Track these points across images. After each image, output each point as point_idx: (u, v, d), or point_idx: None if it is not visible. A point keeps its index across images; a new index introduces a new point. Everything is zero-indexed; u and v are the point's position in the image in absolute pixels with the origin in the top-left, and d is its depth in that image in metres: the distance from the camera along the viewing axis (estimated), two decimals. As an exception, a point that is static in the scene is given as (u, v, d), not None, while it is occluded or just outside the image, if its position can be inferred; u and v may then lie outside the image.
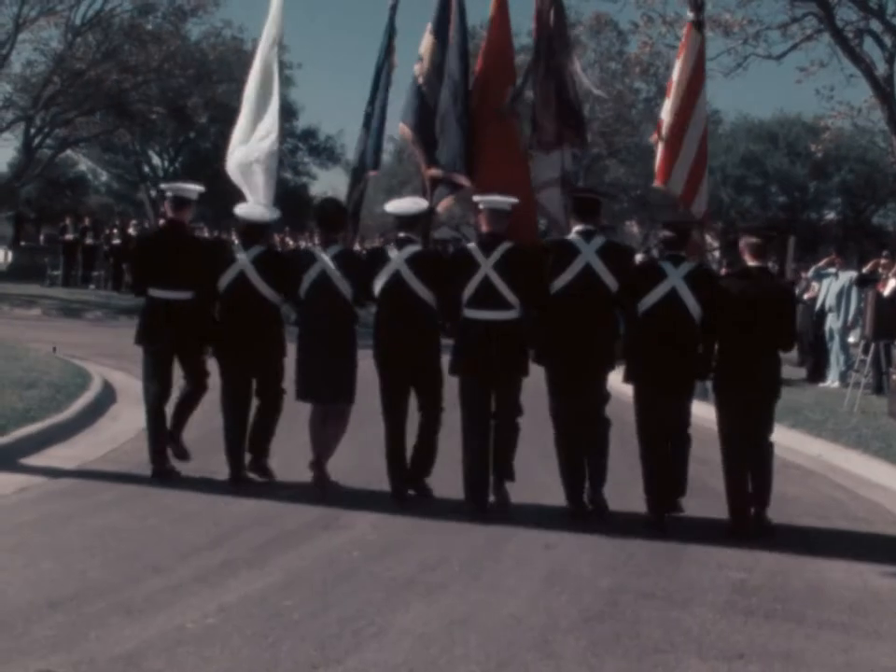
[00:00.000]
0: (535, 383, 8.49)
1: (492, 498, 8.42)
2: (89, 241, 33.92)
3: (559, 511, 8.33)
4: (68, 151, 45.17)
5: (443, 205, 9.67)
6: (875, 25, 22.57)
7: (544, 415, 8.52)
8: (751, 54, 23.41)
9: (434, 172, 9.52)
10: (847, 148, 44.17)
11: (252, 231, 9.11)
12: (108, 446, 10.08)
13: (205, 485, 8.57)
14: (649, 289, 8.23)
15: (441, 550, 7.03)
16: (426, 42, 9.97)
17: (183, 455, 9.14)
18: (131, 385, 13.84)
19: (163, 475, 8.84)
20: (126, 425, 11.22)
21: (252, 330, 8.86)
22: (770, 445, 8.41)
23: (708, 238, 51.68)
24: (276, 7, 10.43)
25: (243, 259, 8.84)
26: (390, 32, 10.39)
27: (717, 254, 46.53)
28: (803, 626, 5.92)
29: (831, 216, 51.62)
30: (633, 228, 53.68)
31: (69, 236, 33.93)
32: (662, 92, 41.68)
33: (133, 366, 15.58)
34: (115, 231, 33.91)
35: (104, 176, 57.68)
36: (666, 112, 10.21)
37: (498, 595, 6.15)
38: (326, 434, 8.88)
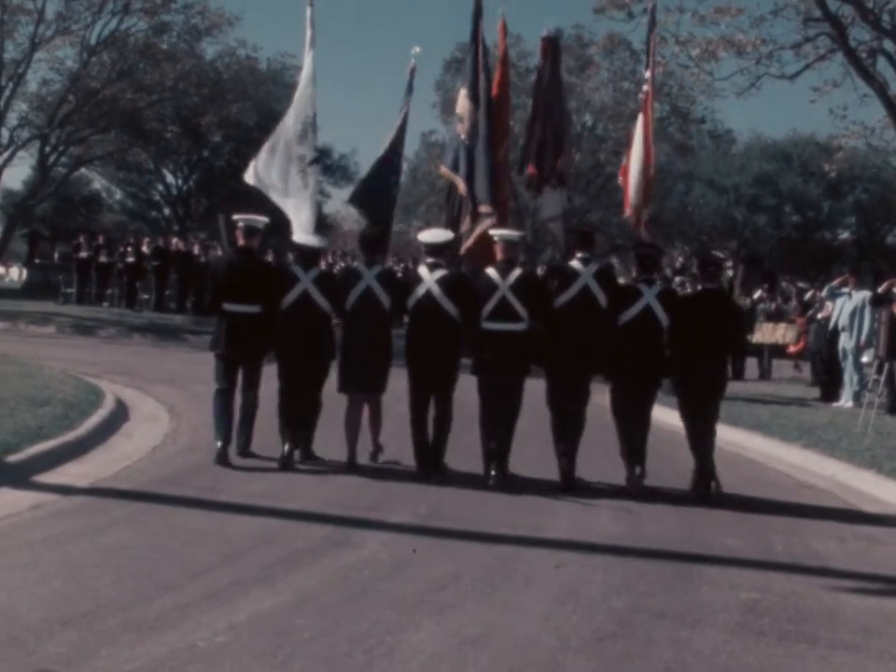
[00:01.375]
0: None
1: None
2: (103, 259, 34.05)
3: (565, 533, 8.34)
4: (83, 169, 45.49)
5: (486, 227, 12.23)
6: (889, 45, 22.58)
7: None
8: (765, 74, 23.43)
9: (484, 209, 12.39)
10: (860, 168, 44.19)
11: (310, 256, 11.01)
12: (121, 464, 10.07)
13: (216, 504, 8.57)
14: (629, 305, 10.26)
15: (451, 569, 7.01)
16: (462, 104, 12.81)
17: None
18: (143, 403, 13.92)
19: (225, 464, 10.33)
20: (138, 442, 11.25)
21: (310, 338, 10.63)
22: (714, 429, 10.53)
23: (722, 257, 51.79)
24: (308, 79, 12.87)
25: (304, 279, 10.63)
26: (409, 91, 13.08)
27: (730, 273, 46.49)
28: (816, 648, 5.89)
29: (844, 235, 51.64)
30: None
31: (83, 254, 34.09)
32: (675, 112, 42.05)
33: (145, 384, 15.75)
34: (129, 248, 34.02)
35: (118, 194, 58.08)
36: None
37: (509, 615, 6.13)
38: (360, 422, 10.83)
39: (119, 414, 12.61)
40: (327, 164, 54.30)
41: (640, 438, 10.33)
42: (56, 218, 51.16)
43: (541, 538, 8.07)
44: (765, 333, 24.44)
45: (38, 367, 15.71)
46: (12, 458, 9.26)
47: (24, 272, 47.31)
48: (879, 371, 15.57)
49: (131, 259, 33.39)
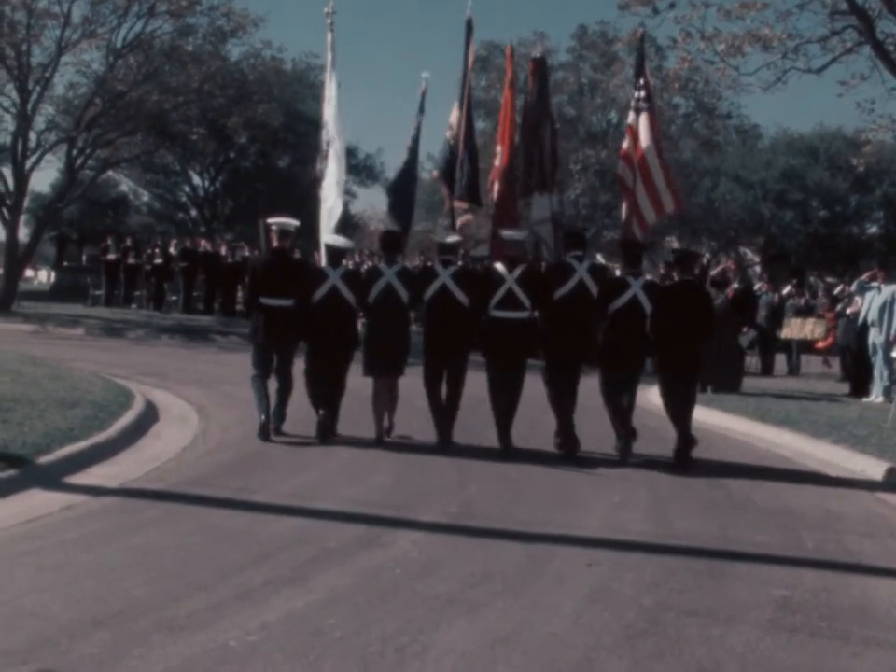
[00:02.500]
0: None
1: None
2: (130, 261, 34.26)
3: (596, 531, 8.34)
4: (110, 172, 45.62)
5: (463, 220, 14.40)
6: (917, 38, 22.38)
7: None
8: (791, 68, 23.22)
9: (459, 204, 14.23)
10: (888, 162, 43.92)
11: (338, 256, 12.48)
12: (151, 465, 10.12)
13: (246, 504, 8.59)
14: (619, 295, 11.87)
15: (482, 567, 7.01)
16: (455, 114, 14.37)
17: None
18: (172, 404, 13.97)
19: (265, 438, 11.72)
20: (168, 443, 11.29)
21: (338, 328, 12.02)
22: (692, 405, 11.95)
23: (749, 253, 51.58)
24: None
25: (333, 275, 12.07)
26: (421, 110, 14.68)
27: (758, 268, 46.33)
28: (849, 644, 5.86)
29: (873, 229, 51.28)
30: (673, 243, 53.46)
31: (111, 256, 34.28)
32: (702, 108, 41.89)
33: (174, 385, 15.81)
34: (156, 250, 34.17)
35: (145, 196, 58.24)
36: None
37: (541, 613, 6.12)
38: (386, 401, 12.22)
39: (149, 415, 12.66)
40: (353, 164, 54.38)
41: (628, 412, 11.94)
42: (84, 221, 51.35)
43: (572, 535, 8.06)
44: (794, 329, 24.35)
45: (68, 369, 15.79)
46: (43, 460, 9.31)
47: (53, 274, 47.55)
48: (910, 365, 15.48)
49: (158, 261, 33.57)
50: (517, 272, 11.92)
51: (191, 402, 14.27)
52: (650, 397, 14.54)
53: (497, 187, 14.09)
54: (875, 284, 18.33)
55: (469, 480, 10.20)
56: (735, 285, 22.95)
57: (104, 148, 35.84)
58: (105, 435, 10.78)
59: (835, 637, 5.96)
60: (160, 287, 33.74)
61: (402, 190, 14.81)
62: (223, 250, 34.01)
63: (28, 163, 32.25)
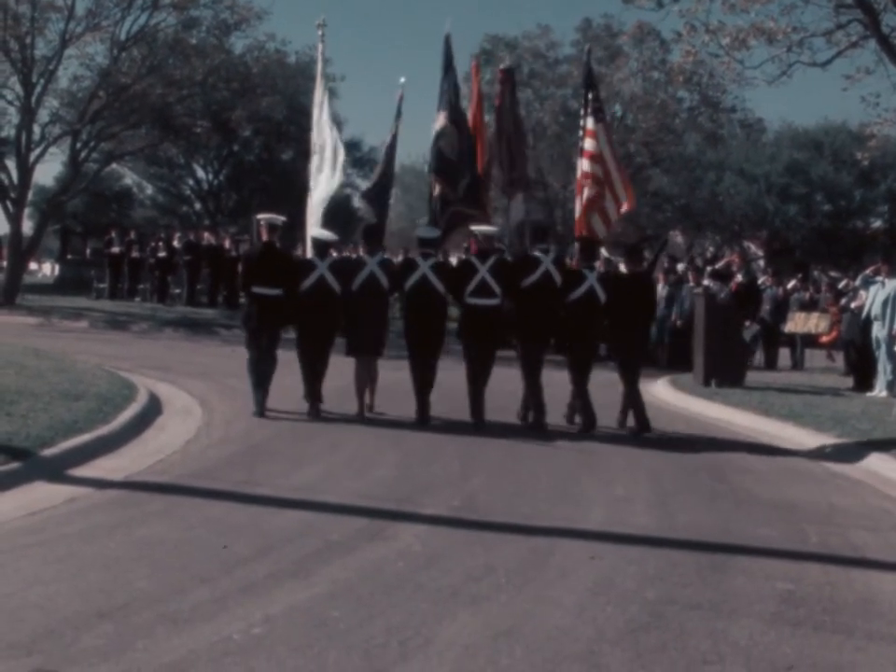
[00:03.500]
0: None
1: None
2: (134, 254, 34.28)
3: (599, 524, 8.35)
4: (114, 165, 45.56)
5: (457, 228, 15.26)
6: (922, 31, 22.33)
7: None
8: (796, 62, 23.15)
9: (470, 210, 15.00)
10: (893, 156, 43.83)
11: (324, 248, 13.59)
12: (155, 457, 10.14)
13: (250, 497, 8.60)
14: (577, 286, 13.37)
15: (485, 560, 7.02)
16: (441, 121, 15.22)
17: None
18: (176, 397, 13.99)
19: (262, 414, 12.91)
20: (172, 436, 11.31)
21: (324, 314, 13.16)
22: (638, 383, 13.64)
23: (753, 247, 51.52)
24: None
25: (321, 266, 13.22)
26: (398, 115, 15.65)
27: (762, 262, 46.27)
28: (852, 638, 5.86)
29: (877, 223, 51.13)
30: (677, 237, 53.44)
31: (115, 249, 34.30)
32: (706, 101, 41.84)
33: (178, 377, 15.83)
34: (160, 243, 34.14)
35: (149, 190, 58.20)
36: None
37: (544, 607, 6.13)
38: (367, 379, 13.44)
39: (153, 408, 12.68)
40: (356, 157, 54.36)
41: (583, 386, 13.48)
42: (88, 214, 51.33)
43: (575, 529, 8.07)
44: (798, 323, 24.31)
45: (72, 361, 15.81)
46: (47, 452, 9.33)
47: (57, 267, 47.56)
48: (913, 360, 15.46)
49: (162, 254, 33.56)
50: (489, 262, 13.32)
51: (195, 395, 14.29)
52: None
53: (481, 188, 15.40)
54: (878, 278, 18.28)
55: (471, 472, 10.21)
56: (739, 278, 22.97)
57: (107, 141, 35.82)
58: (109, 428, 10.79)
59: (839, 632, 5.96)
60: (163, 280, 33.74)
61: (380, 193, 15.66)
62: (227, 243, 33.95)
63: (32, 156, 32.22)
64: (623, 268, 15.23)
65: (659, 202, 46.78)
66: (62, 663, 4.96)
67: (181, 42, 33.78)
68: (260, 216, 13.95)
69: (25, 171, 32.00)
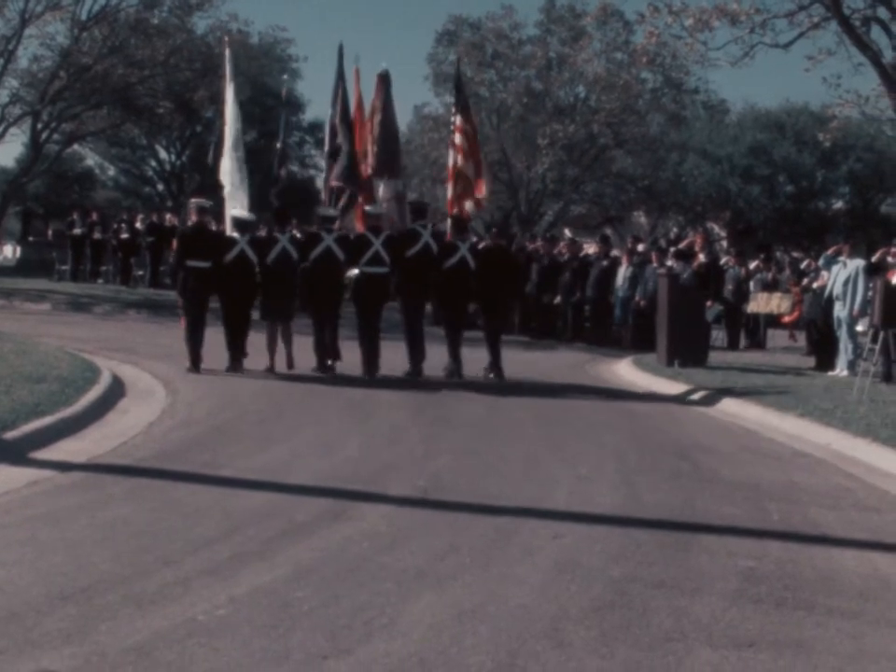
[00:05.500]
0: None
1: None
2: (97, 235, 34.00)
3: (564, 503, 8.39)
4: (75, 146, 45.34)
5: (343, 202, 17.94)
6: (883, 13, 22.48)
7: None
8: (758, 43, 23.31)
9: (335, 183, 18.09)
10: (854, 137, 44.05)
11: (246, 226, 15.85)
12: (118, 440, 10.09)
13: (214, 479, 8.59)
14: (451, 255, 15.92)
15: (450, 540, 7.03)
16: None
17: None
18: (139, 379, 13.93)
19: (196, 371, 14.99)
20: (135, 418, 11.27)
21: (246, 282, 15.43)
22: (500, 337, 16.55)
23: (716, 228, 51.74)
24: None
25: (241, 241, 15.44)
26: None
27: (724, 243, 46.48)
28: (813, 614, 5.91)
29: (838, 204, 51.47)
30: (640, 218, 53.61)
31: (77, 231, 34.04)
32: (669, 82, 41.93)
33: (141, 359, 15.77)
34: (122, 225, 33.93)
35: (111, 171, 57.87)
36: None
37: (508, 586, 6.14)
38: (279, 342, 15.58)
39: (116, 390, 12.62)
40: (320, 138, 53.95)
41: (457, 341, 15.89)
42: (49, 196, 51.02)
43: (540, 508, 8.10)
44: (760, 303, 24.44)
45: (34, 344, 15.72)
46: (9, 435, 9.27)
47: (18, 249, 47.13)
48: (874, 339, 15.59)
49: (125, 236, 33.34)
50: (382, 237, 15.85)
51: (158, 377, 14.23)
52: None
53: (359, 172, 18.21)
54: (840, 258, 18.42)
55: (437, 453, 10.22)
56: (702, 258, 23.05)
57: (69, 122, 35.63)
58: (72, 410, 10.73)
59: (800, 608, 6.01)
60: (126, 262, 33.53)
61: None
62: (190, 225, 33.75)
63: (-8, 137, 31.96)
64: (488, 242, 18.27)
65: (622, 182, 46.88)
66: (24, 646, 4.93)
67: (143, 22, 33.60)
68: (192, 200, 16.84)
69: (-15, 152, 31.73)
